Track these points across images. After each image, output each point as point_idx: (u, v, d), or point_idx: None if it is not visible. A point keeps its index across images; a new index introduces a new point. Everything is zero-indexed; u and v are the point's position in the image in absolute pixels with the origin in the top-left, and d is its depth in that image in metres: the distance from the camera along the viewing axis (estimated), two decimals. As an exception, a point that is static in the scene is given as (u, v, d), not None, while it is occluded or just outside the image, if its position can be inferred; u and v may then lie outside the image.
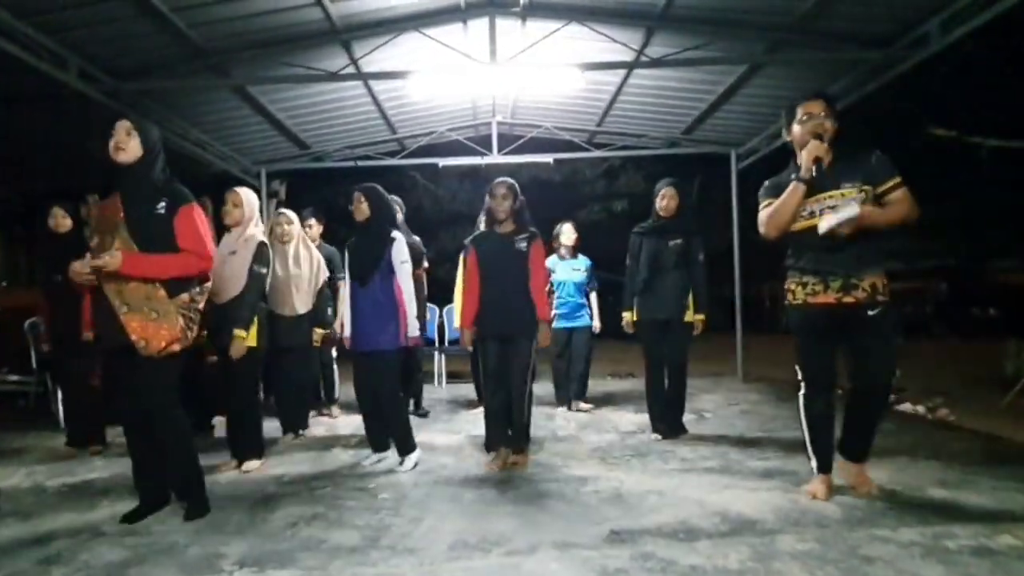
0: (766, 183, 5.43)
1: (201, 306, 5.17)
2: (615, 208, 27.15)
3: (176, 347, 4.94)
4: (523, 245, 6.64)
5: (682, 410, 7.87)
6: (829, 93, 5.60)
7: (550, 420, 8.82)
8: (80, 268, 4.80)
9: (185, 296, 5.01)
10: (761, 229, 5.33)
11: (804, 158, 5.05)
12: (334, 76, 10.11)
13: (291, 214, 7.98)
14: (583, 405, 9.68)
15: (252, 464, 6.62)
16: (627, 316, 7.93)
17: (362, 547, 4.48)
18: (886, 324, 5.08)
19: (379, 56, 10.11)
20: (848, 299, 5.02)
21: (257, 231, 6.64)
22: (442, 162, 15.14)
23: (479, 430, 7.33)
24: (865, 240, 4.97)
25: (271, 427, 7.62)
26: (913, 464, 6.17)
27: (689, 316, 7.65)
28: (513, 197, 6.69)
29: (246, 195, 6.67)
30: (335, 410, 9.54)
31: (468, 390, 11.03)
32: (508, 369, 6.66)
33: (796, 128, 5.21)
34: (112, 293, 4.83)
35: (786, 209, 5.11)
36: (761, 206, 5.34)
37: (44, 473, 6.67)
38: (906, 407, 9.77)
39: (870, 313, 5.01)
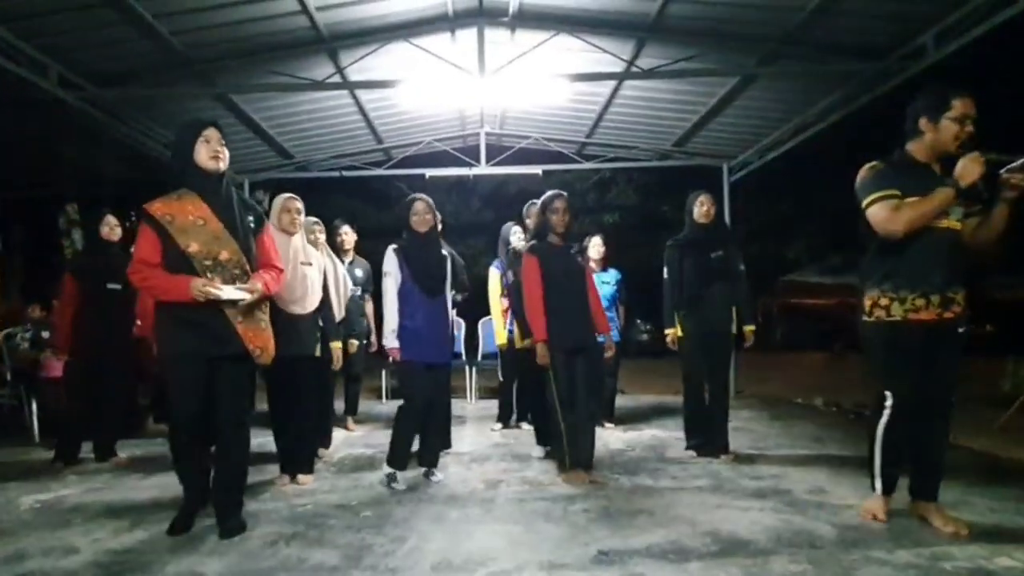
0: (875, 166, 4.93)
1: None
2: (606, 221, 27.17)
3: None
4: (579, 258, 6.76)
5: (727, 426, 7.72)
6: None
7: (528, 437, 8.75)
8: (224, 291, 4.75)
9: (266, 305, 5.17)
10: (887, 225, 4.76)
11: (968, 169, 4.56)
12: (320, 85, 10.12)
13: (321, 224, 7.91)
14: (608, 424, 9.56)
15: (307, 478, 6.62)
16: (671, 332, 7.83)
17: (343, 567, 4.43)
18: (964, 344, 4.91)
19: (366, 65, 10.10)
20: (948, 315, 4.79)
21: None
22: (429, 173, 15.08)
23: (468, 447, 7.29)
24: (959, 251, 4.81)
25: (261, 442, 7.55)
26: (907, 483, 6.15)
27: (735, 328, 7.65)
28: (571, 210, 6.76)
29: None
30: (351, 422, 9.58)
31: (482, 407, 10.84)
32: (579, 383, 6.64)
33: (946, 124, 4.73)
34: (228, 304, 4.86)
35: (931, 212, 4.65)
36: (876, 195, 4.80)
37: (16, 489, 6.57)
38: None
39: (960, 331, 4.84)
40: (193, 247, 4.79)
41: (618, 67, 10.17)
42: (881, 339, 4.95)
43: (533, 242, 6.91)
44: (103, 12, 7.80)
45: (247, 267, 4.91)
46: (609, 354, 6.97)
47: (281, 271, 5.28)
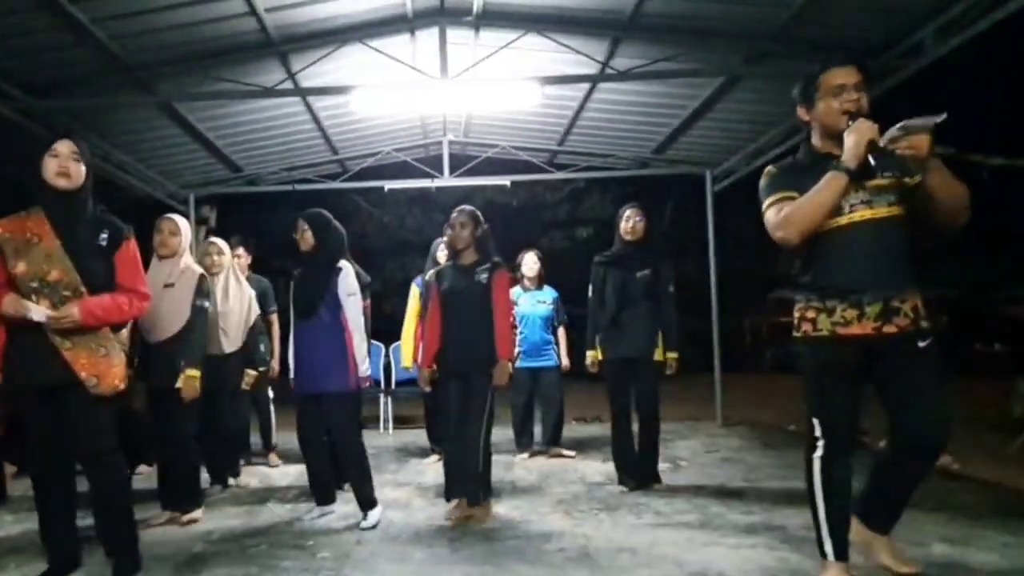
0: (770, 171, 4.65)
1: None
2: (579, 235, 27.21)
3: (122, 385, 4.99)
4: (484, 277, 6.70)
5: (656, 458, 7.81)
6: (861, 58, 4.71)
7: (509, 469, 8.78)
8: (30, 309, 4.66)
9: (124, 332, 5.11)
10: (776, 233, 4.42)
11: (851, 142, 4.18)
12: (269, 92, 10.08)
13: (222, 243, 7.94)
14: (565, 452, 9.65)
15: (196, 514, 6.61)
16: (591, 355, 7.91)
17: (299, 616, 4.43)
18: (935, 359, 4.35)
19: (319, 70, 10.09)
20: (889, 328, 4.24)
21: (192, 262, 6.77)
22: (388, 185, 15.14)
23: (429, 480, 7.27)
24: (904, 246, 4.34)
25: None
26: (914, 517, 6.09)
27: (659, 354, 7.60)
28: (474, 225, 6.81)
29: (182, 223, 6.77)
30: (273, 457, 9.48)
31: (418, 436, 10.89)
32: (457, 408, 6.71)
33: (822, 104, 4.45)
34: (51, 329, 4.76)
35: (820, 206, 4.25)
36: (769, 201, 4.51)
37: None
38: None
39: (920, 344, 4.28)
40: (20, 267, 4.78)
41: (591, 69, 10.18)
42: (809, 359, 4.54)
43: (438, 265, 7.25)
44: (35, 16, 7.72)
45: (82, 288, 4.83)
46: (502, 382, 6.75)
47: (144, 295, 5.17)
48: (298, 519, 6.68)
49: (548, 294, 9.80)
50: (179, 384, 6.37)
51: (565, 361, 9.94)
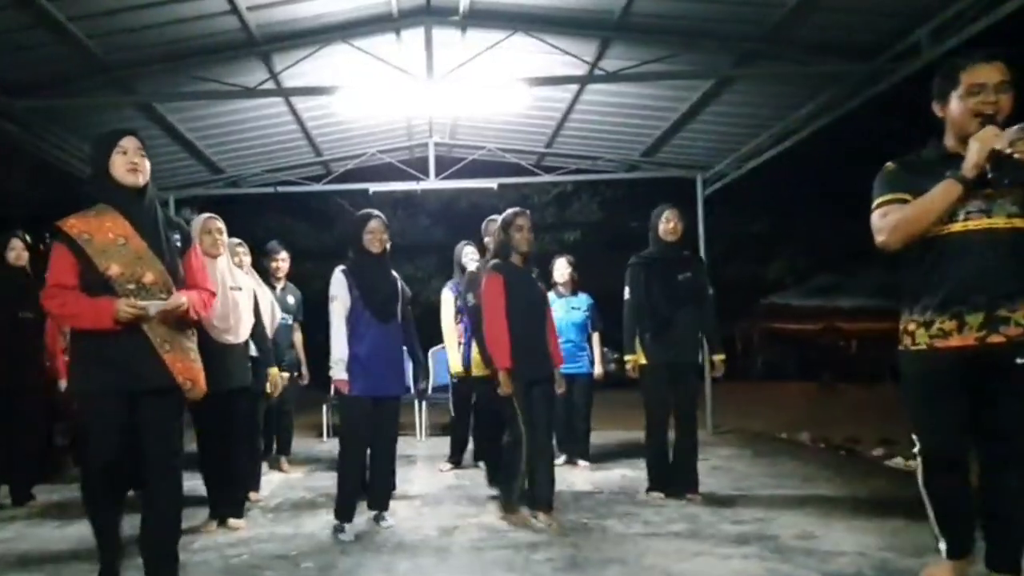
0: (888, 167, 4.41)
1: None
2: (567, 239, 27.12)
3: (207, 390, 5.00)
4: (540, 283, 6.84)
5: (696, 466, 7.68)
6: (1005, 53, 4.25)
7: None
8: (141, 307, 4.56)
9: (191, 333, 5.02)
10: (877, 237, 4.28)
11: (972, 150, 3.98)
12: (252, 92, 10.06)
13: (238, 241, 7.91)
14: (582, 463, 9.59)
15: (239, 523, 6.63)
16: (631, 360, 7.71)
17: (281, 628, 4.40)
18: None
19: (302, 70, 10.06)
20: (995, 339, 4.02)
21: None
22: (373, 188, 15.09)
23: (414, 489, 7.24)
24: (1019, 249, 4.06)
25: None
26: (908, 527, 6.11)
27: (701, 358, 7.64)
28: (535, 231, 6.84)
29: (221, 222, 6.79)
30: (284, 463, 9.53)
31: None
32: (538, 417, 6.72)
33: (956, 103, 4.17)
34: (152, 330, 4.67)
35: (928, 214, 4.09)
36: (878, 201, 4.31)
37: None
38: (897, 462, 9.78)
39: (1019, 361, 4.01)
40: (114, 269, 4.64)
41: (580, 70, 10.19)
42: (908, 372, 4.38)
43: (496, 260, 6.89)
44: (12, 15, 7.67)
45: (174, 290, 4.76)
46: (560, 390, 6.96)
47: (213, 294, 5.19)
48: (281, 528, 6.65)
49: (583, 300, 9.75)
50: (268, 387, 6.95)
51: (599, 369, 9.85)
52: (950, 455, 4.25)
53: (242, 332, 6.58)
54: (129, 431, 4.75)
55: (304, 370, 9.67)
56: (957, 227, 4.06)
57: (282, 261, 9.15)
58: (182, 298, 4.66)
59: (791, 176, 22.92)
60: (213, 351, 5.93)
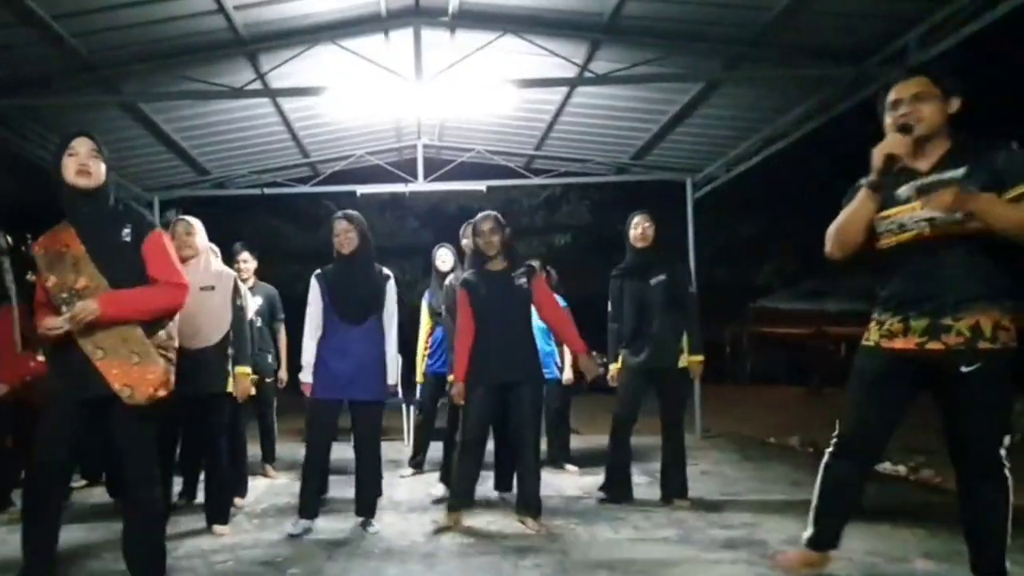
0: (860, 183, 4.62)
1: (176, 345, 5.08)
2: (556, 242, 27.16)
3: (162, 392, 4.76)
4: (523, 282, 6.75)
5: (684, 471, 7.64)
6: (934, 67, 4.84)
7: (482, 483, 8.73)
8: (54, 324, 4.55)
9: (163, 334, 4.87)
10: (825, 247, 4.66)
11: (874, 155, 4.33)
12: (238, 92, 10.04)
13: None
14: (569, 468, 9.59)
15: (224, 529, 6.62)
16: (613, 368, 7.77)
17: (267, 634, 4.39)
18: (989, 385, 4.18)
19: (289, 70, 10.04)
20: (934, 345, 4.20)
21: (221, 264, 6.99)
22: (360, 189, 15.03)
23: (401, 495, 7.23)
24: (973, 257, 4.17)
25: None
26: (895, 532, 6.16)
27: (684, 361, 7.54)
28: (501, 230, 6.75)
29: (195, 223, 6.75)
30: (270, 469, 9.49)
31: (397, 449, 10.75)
32: (510, 422, 6.79)
33: (886, 119, 4.47)
34: (82, 337, 4.60)
35: (850, 222, 4.47)
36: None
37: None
38: (885, 466, 9.80)
39: (963, 370, 4.14)
40: (51, 281, 4.69)
41: (570, 72, 10.21)
42: (855, 364, 4.71)
43: (465, 274, 7.01)
44: (-8, 12, 7.69)
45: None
46: (593, 372, 7.01)
47: (180, 285, 4.90)
48: (266, 534, 6.63)
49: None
50: (230, 387, 6.63)
51: (568, 374, 9.80)
52: (860, 445, 4.65)
53: (212, 335, 6.49)
54: (74, 439, 4.75)
55: (282, 373, 9.61)
56: (907, 236, 4.29)
57: (243, 262, 9.06)
58: (92, 304, 4.52)
59: (781, 179, 22.97)
60: (185, 354, 5.85)
